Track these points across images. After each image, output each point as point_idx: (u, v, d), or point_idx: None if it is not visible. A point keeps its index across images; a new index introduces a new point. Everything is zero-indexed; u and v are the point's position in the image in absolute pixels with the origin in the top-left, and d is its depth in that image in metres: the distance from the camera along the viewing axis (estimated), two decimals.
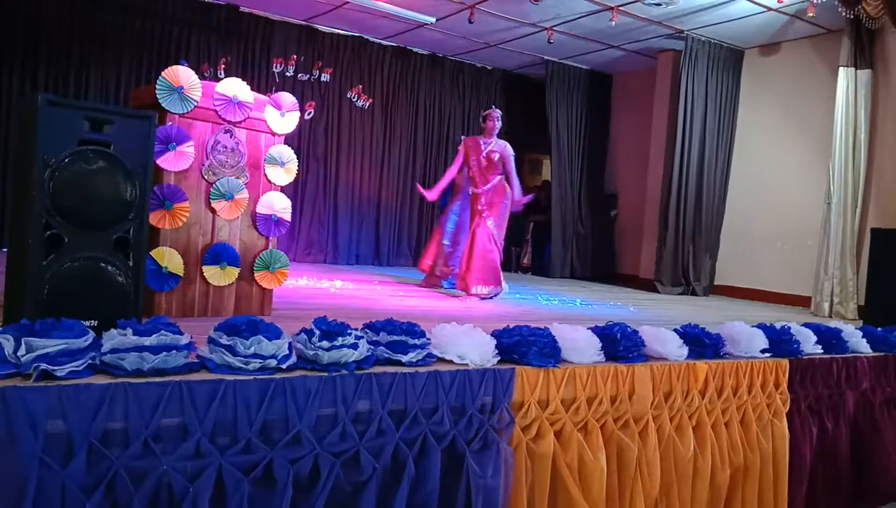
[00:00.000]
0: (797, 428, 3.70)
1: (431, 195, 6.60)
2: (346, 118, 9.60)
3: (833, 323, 4.24)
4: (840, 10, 6.29)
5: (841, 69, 7.16)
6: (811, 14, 7.02)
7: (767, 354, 3.66)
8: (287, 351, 2.34)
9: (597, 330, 3.17)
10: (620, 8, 7.69)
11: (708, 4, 7.40)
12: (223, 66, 8.50)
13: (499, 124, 6.38)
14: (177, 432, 2.06)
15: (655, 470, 3.11)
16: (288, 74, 9.07)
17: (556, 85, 10.12)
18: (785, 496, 3.56)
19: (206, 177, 3.67)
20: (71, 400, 1.90)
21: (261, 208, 3.86)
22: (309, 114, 9.18)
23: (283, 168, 3.92)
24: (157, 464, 2.00)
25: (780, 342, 3.72)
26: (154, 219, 3.41)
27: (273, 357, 2.28)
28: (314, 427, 2.27)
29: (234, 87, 3.70)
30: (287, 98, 3.92)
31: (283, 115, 3.88)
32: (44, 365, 1.95)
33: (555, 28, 8.58)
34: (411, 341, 2.62)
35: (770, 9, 7.38)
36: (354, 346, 2.43)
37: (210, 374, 2.18)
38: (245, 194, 3.78)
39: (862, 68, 7.14)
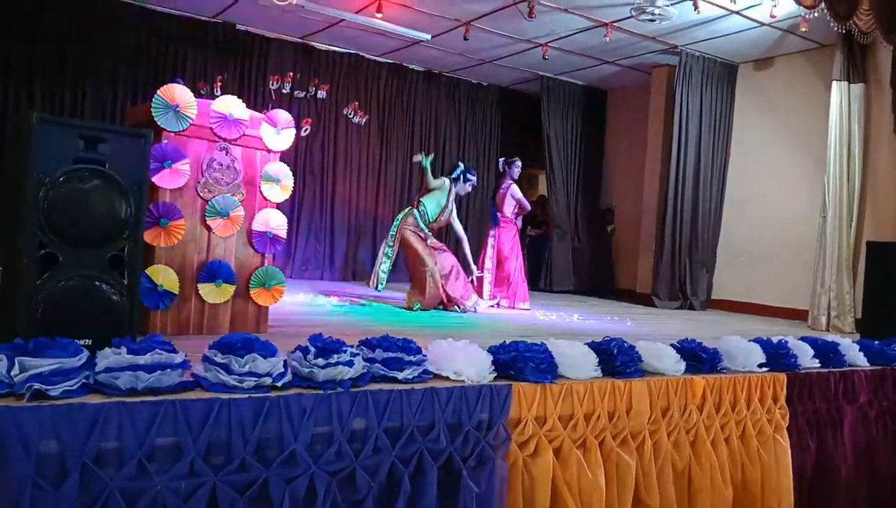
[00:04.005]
0: (795, 443, 3.68)
1: None
2: (342, 135, 9.62)
3: (830, 337, 4.22)
4: (832, 24, 6.32)
5: (834, 83, 7.20)
6: (804, 29, 7.06)
7: (765, 368, 3.64)
8: (282, 369, 2.33)
9: (594, 346, 3.16)
10: (614, 24, 7.73)
11: (701, 20, 7.43)
12: (219, 83, 8.52)
13: (466, 187, 7.03)
14: (171, 451, 2.04)
15: (654, 487, 3.09)
16: (284, 92, 9.10)
17: (551, 100, 10.16)
18: None
19: (201, 194, 3.67)
20: (64, 420, 1.89)
21: (256, 225, 3.85)
22: (305, 131, 9.20)
23: (279, 185, 3.92)
24: (151, 484, 1.98)
25: (777, 356, 3.71)
26: (149, 236, 3.40)
27: (268, 375, 2.27)
28: (309, 446, 2.26)
29: (230, 105, 3.72)
30: (282, 115, 3.93)
31: (278, 133, 3.89)
32: (37, 385, 1.94)
33: (549, 44, 8.62)
34: (407, 357, 2.60)
35: (763, 24, 7.43)
36: (350, 363, 2.41)
37: (205, 393, 2.17)
38: (241, 211, 3.78)
39: (855, 82, 7.18)
